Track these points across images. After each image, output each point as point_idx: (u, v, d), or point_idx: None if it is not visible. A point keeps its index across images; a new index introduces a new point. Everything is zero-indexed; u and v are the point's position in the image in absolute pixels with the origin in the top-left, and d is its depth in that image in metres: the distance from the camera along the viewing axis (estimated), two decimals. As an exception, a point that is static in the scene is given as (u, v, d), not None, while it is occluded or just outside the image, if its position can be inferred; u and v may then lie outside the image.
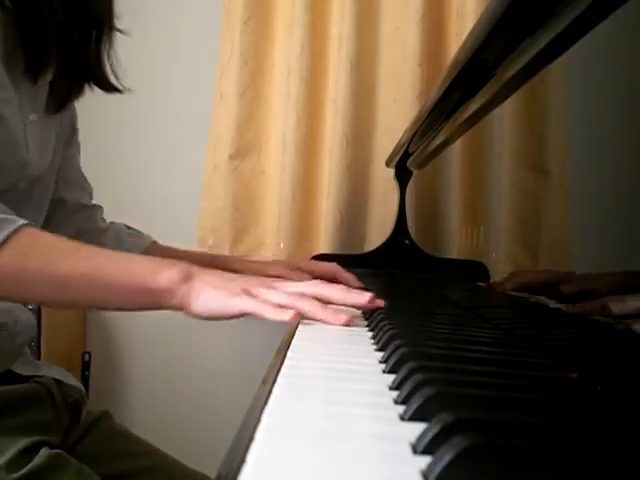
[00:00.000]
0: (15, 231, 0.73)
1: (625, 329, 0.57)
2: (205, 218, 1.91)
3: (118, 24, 1.03)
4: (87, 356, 1.98)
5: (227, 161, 1.89)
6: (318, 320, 0.73)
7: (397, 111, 1.82)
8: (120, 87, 1.06)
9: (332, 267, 1.17)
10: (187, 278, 0.76)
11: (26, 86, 0.92)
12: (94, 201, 1.24)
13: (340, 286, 0.80)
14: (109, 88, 1.05)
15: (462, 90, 0.95)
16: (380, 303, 0.78)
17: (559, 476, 0.29)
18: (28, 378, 0.96)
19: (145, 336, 2.02)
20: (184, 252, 1.20)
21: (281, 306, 0.72)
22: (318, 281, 0.81)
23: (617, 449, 0.31)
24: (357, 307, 0.80)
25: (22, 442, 0.83)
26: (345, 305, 0.78)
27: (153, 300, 0.77)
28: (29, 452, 0.82)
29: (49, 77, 0.97)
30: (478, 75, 0.86)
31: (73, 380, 1.06)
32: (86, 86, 1.04)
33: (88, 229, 1.18)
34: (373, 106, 1.87)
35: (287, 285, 0.77)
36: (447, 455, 0.29)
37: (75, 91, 1.03)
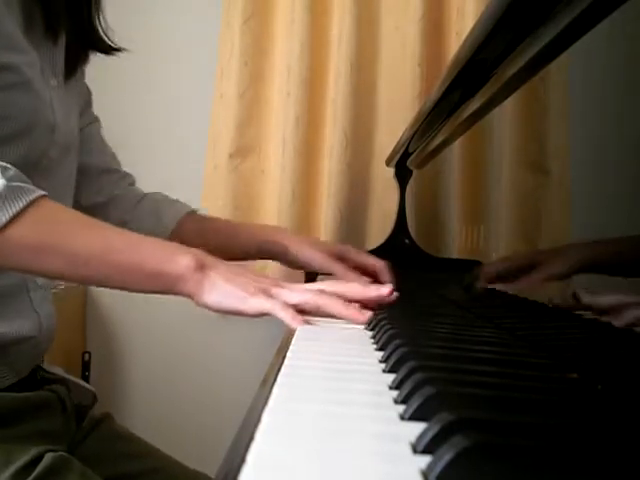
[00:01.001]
0: (33, 202, 0.73)
1: (625, 329, 0.56)
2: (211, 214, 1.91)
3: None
4: (87, 356, 1.98)
5: (227, 161, 1.89)
6: (340, 317, 0.74)
7: (397, 111, 1.82)
8: (117, 47, 1.06)
9: (378, 264, 1.13)
10: (201, 267, 0.76)
11: (45, 49, 0.94)
12: None
13: (356, 283, 0.81)
14: (108, 49, 1.05)
15: (462, 89, 0.95)
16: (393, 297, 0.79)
17: (559, 476, 0.29)
18: (41, 385, 0.96)
19: (145, 335, 2.02)
20: (227, 222, 1.23)
21: (299, 307, 0.73)
22: (334, 281, 0.81)
23: (617, 449, 0.31)
24: (378, 301, 0.80)
25: (32, 452, 0.81)
26: (365, 300, 0.79)
27: (164, 285, 0.77)
28: (37, 462, 0.81)
29: (64, 41, 0.99)
30: (478, 74, 0.86)
31: (85, 384, 1.07)
32: (90, 52, 1.05)
33: (120, 196, 1.16)
34: (373, 106, 1.87)
35: (301, 287, 0.77)
36: (447, 455, 0.29)
37: (82, 57, 1.04)
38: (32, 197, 0.73)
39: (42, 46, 0.93)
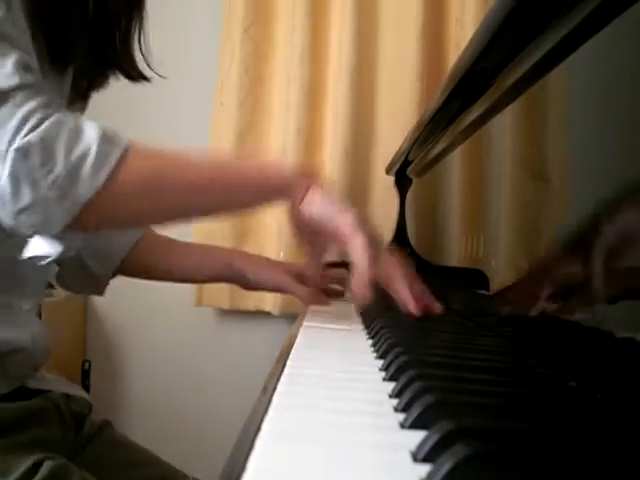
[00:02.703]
0: (128, 148, 0.74)
1: (625, 337, 0.56)
2: (205, 226, 1.91)
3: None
4: (87, 364, 1.98)
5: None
6: (399, 294, 0.80)
7: (397, 119, 1.82)
8: (147, 75, 1.04)
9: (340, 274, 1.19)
10: (309, 178, 0.83)
11: (51, 75, 0.90)
12: None
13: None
14: (136, 77, 1.03)
15: (462, 98, 0.95)
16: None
17: (559, 484, 0.29)
18: (36, 393, 0.95)
19: (145, 344, 2.01)
20: (185, 244, 1.20)
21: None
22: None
23: (617, 457, 0.31)
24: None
25: (31, 459, 0.81)
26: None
27: (276, 191, 0.84)
28: (36, 470, 0.81)
29: (72, 68, 0.95)
30: (478, 83, 0.86)
31: (80, 392, 1.05)
32: (111, 76, 1.02)
33: None
34: (373, 114, 1.87)
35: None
36: (447, 463, 0.29)
37: (97, 82, 1.01)
38: (127, 142, 0.73)
39: (49, 70, 0.89)
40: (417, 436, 0.35)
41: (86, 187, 0.68)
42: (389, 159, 1.62)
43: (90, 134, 0.70)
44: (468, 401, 0.41)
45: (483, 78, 0.84)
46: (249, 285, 1.16)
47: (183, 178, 0.76)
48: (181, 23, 2.00)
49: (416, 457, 0.33)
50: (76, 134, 0.70)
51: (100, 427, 1.05)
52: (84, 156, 0.69)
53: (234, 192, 0.80)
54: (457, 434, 0.32)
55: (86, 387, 1.95)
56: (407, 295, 0.79)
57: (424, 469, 0.31)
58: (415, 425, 0.38)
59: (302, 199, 0.81)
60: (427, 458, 0.32)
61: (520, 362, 0.60)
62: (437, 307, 0.86)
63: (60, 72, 0.92)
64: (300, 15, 1.83)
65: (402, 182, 1.58)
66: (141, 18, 1.00)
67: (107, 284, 1.14)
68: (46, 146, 0.68)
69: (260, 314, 1.91)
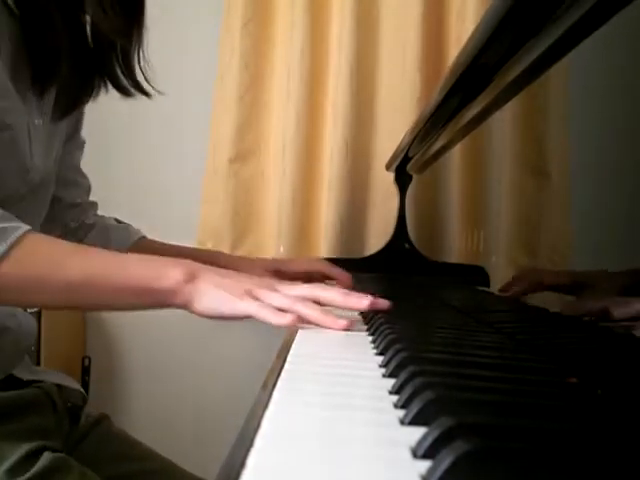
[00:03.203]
0: (18, 240, 0.73)
1: (625, 333, 0.56)
2: (205, 222, 1.91)
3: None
4: (87, 360, 1.98)
5: (227, 165, 1.89)
6: (318, 325, 0.73)
7: (397, 115, 1.82)
8: (147, 90, 1.04)
9: (320, 266, 1.20)
10: (191, 277, 0.77)
11: (32, 93, 0.90)
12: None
13: (341, 290, 0.81)
14: (135, 93, 1.03)
15: (462, 94, 0.95)
16: (384, 304, 0.78)
17: (559, 481, 0.29)
18: (29, 383, 0.96)
19: (145, 340, 2.01)
20: (172, 247, 1.21)
21: (282, 310, 0.73)
22: (319, 285, 0.82)
23: (617, 454, 0.31)
24: (359, 311, 0.81)
25: (25, 447, 0.82)
26: (346, 309, 0.79)
27: (156, 300, 0.79)
28: (32, 457, 0.82)
29: (54, 87, 0.94)
30: (478, 79, 0.86)
31: (73, 383, 1.06)
32: (102, 90, 1.02)
33: (74, 228, 1.17)
34: (373, 110, 1.87)
35: (289, 288, 0.78)
36: (447, 459, 0.29)
37: (84, 98, 1.01)
38: (15, 236, 0.73)
39: (29, 90, 0.89)
40: (417, 432, 0.34)
41: None
42: (389, 155, 1.62)
43: None
44: (468, 397, 0.40)
45: (484, 74, 0.84)
46: None
47: (59, 280, 0.76)
48: (181, 18, 2.00)
49: (416, 453, 0.33)
50: None
51: (98, 420, 1.05)
52: None
53: (110, 297, 0.78)
54: (457, 430, 0.32)
55: (86, 383, 1.95)
56: (331, 325, 0.73)
57: (424, 465, 0.31)
58: (415, 421, 0.38)
59: (191, 303, 0.77)
60: (427, 454, 0.32)
61: (520, 358, 0.60)
62: (364, 305, 0.78)
63: (39, 94, 0.91)
64: (300, 9, 1.82)
65: (402, 179, 1.58)
66: (140, 35, 0.98)
67: None
68: None
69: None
